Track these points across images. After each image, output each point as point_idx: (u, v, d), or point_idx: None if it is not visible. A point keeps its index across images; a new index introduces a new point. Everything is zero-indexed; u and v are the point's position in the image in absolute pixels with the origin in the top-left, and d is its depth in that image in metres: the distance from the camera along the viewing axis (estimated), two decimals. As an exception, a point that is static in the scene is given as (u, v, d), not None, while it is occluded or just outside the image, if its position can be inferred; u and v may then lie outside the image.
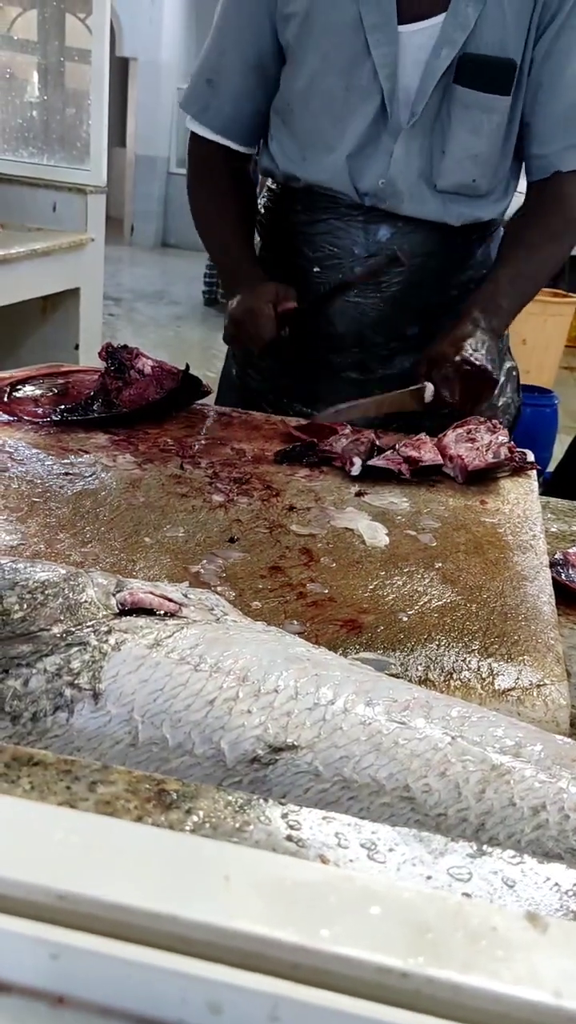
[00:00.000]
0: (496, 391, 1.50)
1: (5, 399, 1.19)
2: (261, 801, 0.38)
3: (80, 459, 1.05)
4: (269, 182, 1.50)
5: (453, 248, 1.40)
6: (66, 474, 1.00)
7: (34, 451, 1.06)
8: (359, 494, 1.04)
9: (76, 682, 0.53)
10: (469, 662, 0.72)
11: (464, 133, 1.29)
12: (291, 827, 0.36)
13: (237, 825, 0.36)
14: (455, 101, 1.27)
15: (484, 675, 0.70)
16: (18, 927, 0.22)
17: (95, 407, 1.20)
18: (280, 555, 0.88)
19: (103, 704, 0.52)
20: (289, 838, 0.36)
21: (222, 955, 0.22)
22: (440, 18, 1.24)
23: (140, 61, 10.92)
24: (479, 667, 0.71)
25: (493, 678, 0.70)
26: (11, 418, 1.15)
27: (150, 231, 11.70)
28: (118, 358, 1.27)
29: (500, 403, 1.54)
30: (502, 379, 1.53)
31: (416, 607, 0.80)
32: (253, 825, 0.36)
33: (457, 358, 1.20)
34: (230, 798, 0.38)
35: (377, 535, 0.93)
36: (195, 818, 0.36)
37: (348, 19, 1.25)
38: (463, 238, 1.39)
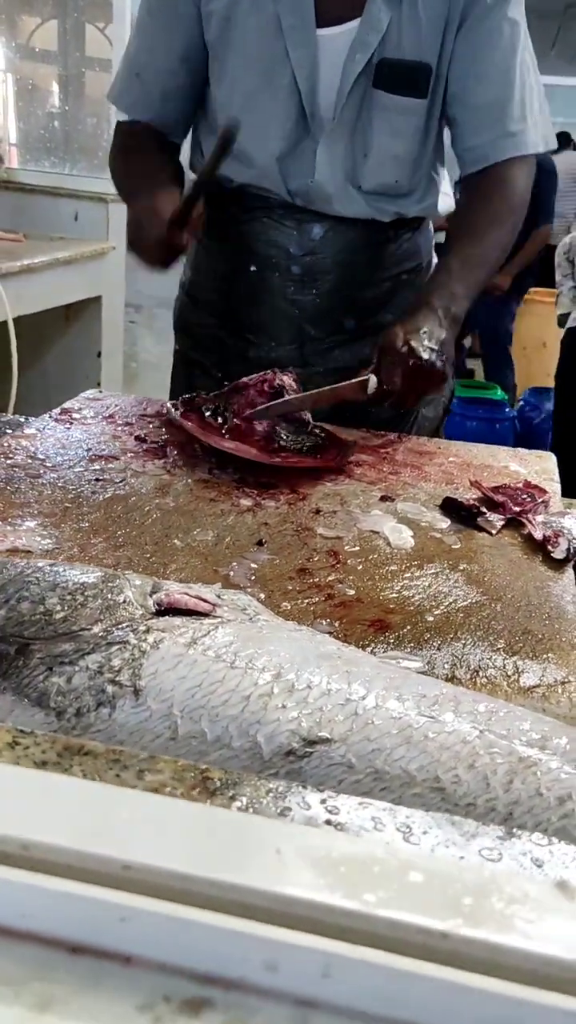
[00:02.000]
0: (443, 385, 1.45)
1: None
2: (300, 788, 0.40)
3: (111, 465, 1.08)
4: None
5: (383, 243, 1.42)
6: (97, 480, 1.03)
7: (65, 457, 1.09)
8: (384, 498, 1.06)
9: (117, 679, 0.55)
10: (495, 660, 0.73)
11: (384, 136, 1.32)
12: (330, 812, 0.38)
13: (278, 810, 0.38)
14: (374, 104, 1.30)
15: (510, 672, 0.72)
16: (89, 892, 0.24)
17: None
18: (308, 557, 0.90)
19: (143, 700, 0.54)
20: (328, 822, 0.38)
21: (277, 919, 0.24)
22: (356, 22, 1.26)
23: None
24: (504, 665, 0.73)
25: (518, 675, 0.71)
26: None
27: (169, 238, 11.76)
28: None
29: None
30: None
31: (442, 607, 0.82)
32: (294, 810, 0.38)
33: (404, 349, 1.15)
34: (271, 785, 0.40)
35: (403, 537, 0.95)
36: (239, 804, 0.38)
37: (267, 21, 1.28)
38: (392, 232, 1.42)
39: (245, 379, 1.22)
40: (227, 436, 1.14)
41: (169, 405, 1.25)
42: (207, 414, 1.19)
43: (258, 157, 1.36)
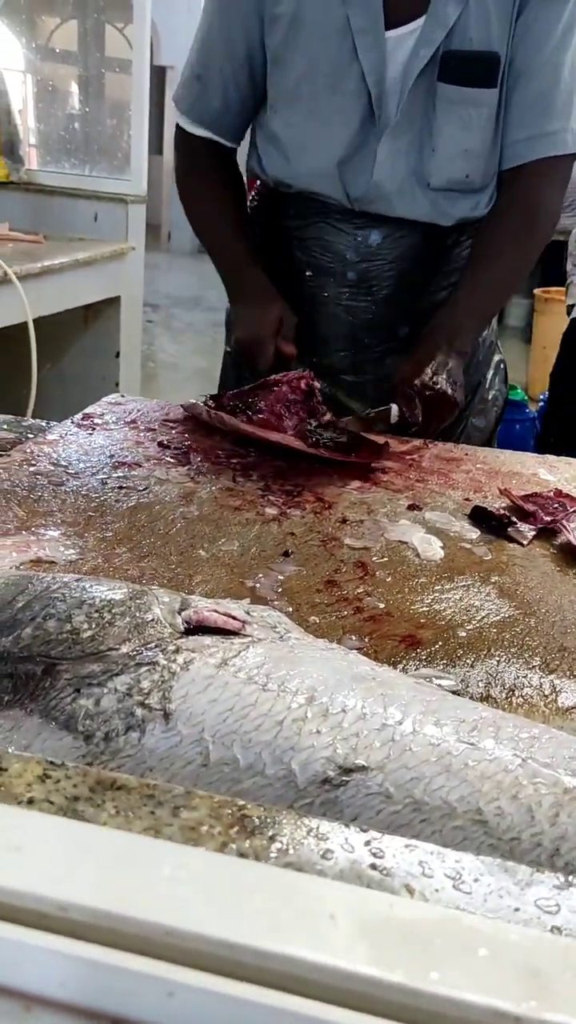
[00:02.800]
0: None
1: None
2: (343, 828, 0.38)
3: (134, 472, 1.06)
4: (259, 183, 1.50)
5: (443, 248, 1.40)
6: (120, 488, 1.02)
7: (88, 464, 1.07)
8: (412, 507, 1.04)
9: (147, 702, 0.54)
10: (530, 679, 0.71)
11: (454, 129, 1.29)
12: (374, 855, 0.37)
13: (321, 853, 0.36)
14: (441, 98, 1.27)
15: (547, 692, 0.69)
16: (135, 964, 0.23)
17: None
18: (335, 569, 0.88)
19: (174, 724, 0.53)
20: (373, 866, 0.36)
21: (334, 996, 0.23)
22: (422, 19, 1.24)
23: (177, 69, 11.00)
24: (541, 684, 0.71)
25: (556, 695, 0.69)
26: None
27: (186, 238, 11.78)
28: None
29: (490, 396, 1.55)
30: (491, 373, 1.55)
31: (474, 622, 0.80)
32: (336, 852, 0.37)
33: (418, 383, 1.22)
34: (312, 824, 0.38)
35: (432, 548, 0.93)
36: (278, 845, 0.36)
37: (336, 23, 1.25)
38: (453, 238, 1.40)
39: (276, 376, 1.24)
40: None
41: (200, 403, 1.25)
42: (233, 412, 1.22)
43: (319, 163, 1.34)
